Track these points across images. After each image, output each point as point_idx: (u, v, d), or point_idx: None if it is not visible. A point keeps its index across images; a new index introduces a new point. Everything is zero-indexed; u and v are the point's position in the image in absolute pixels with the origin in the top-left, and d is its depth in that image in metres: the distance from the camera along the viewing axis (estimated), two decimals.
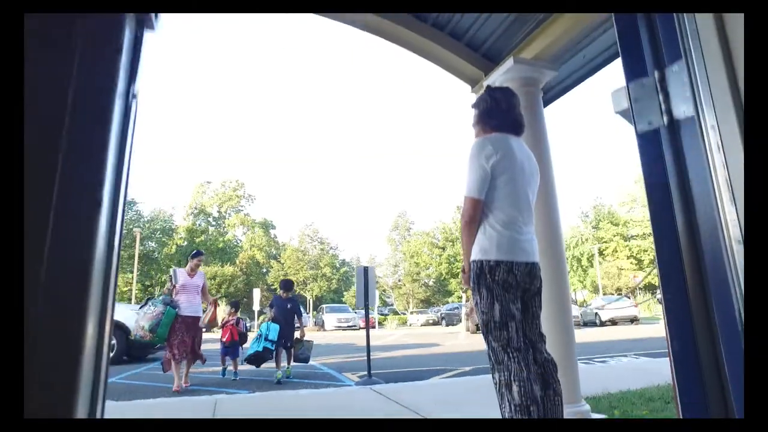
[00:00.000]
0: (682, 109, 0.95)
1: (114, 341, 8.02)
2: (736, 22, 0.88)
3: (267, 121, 66.51)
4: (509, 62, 3.24)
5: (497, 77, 3.37)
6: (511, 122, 2.20)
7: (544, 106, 3.59)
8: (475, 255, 2.06)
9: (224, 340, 6.90)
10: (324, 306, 31.45)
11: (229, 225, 43.75)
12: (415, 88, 73.91)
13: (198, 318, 5.84)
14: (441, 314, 29.31)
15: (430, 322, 28.93)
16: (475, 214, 2.07)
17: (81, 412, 0.77)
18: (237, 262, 40.60)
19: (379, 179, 69.16)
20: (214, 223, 43.50)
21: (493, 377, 1.99)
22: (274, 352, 6.29)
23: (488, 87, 2.35)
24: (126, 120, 0.89)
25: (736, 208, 0.83)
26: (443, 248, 41.64)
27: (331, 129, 69.43)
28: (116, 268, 0.87)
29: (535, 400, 1.87)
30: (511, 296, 2.01)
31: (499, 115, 2.19)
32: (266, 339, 6.27)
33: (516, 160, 2.09)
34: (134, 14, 0.93)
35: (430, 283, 44.03)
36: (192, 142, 63.88)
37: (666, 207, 0.98)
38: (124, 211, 0.91)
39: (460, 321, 22.89)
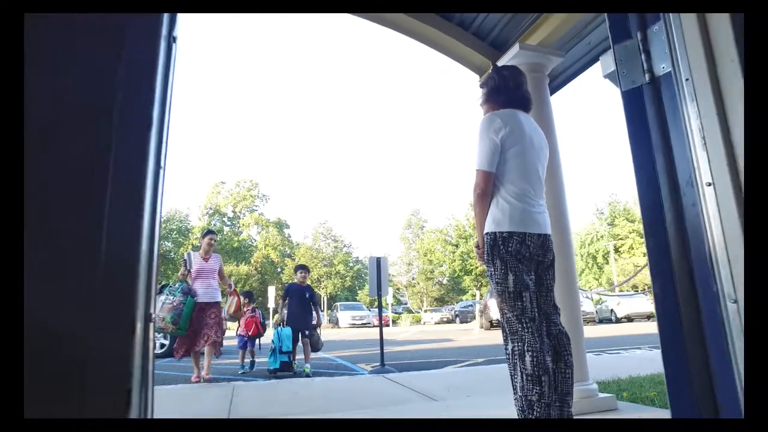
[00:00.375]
0: (661, 66, 1.02)
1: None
2: None
3: (280, 121, 67.02)
4: (515, 48, 3.30)
5: (508, 60, 3.43)
6: (519, 98, 2.25)
7: (551, 94, 3.64)
8: (489, 227, 2.10)
9: (249, 333, 6.86)
10: (338, 304, 31.65)
11: (243, 225, 44.24)
12: (428, 86, 73.82)
13: (216, 304, 5.42)
14: (455, 312, 29.31)
15: (444, 320, 28.94)
16: (487, 186, 2.11)
17: (133, 412, 0.75)
18: (252, 261, 41.07)
19: (392, 177, 69.23)
20: (228, 222, 44.03)
21: (506, 347, 2.04)
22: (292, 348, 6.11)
23: (495, 66, 2.41)
24: (162, 125, 0.88)
25: (707, 153, 0.90)
26: (456, 245, 41.53)
27: (344, 127, 69.71)
28: (157, 267, 0.86)
29: (547, 371, 1.92)
30: (525, 267, 2.05)
31: (507, 91, 2.25)
32: (281, 352, 6.05)
33: (525, 134, 2.15)
34: (167, 14, 0.92)
35: (444, 281, 44.00)
36: (206, 143, 64.68)
37: (648, 160, 1.05)
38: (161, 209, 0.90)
39: (474, 318, 22.88)
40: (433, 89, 73.46)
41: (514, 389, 1.98)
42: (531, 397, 1.87)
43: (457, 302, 36.41)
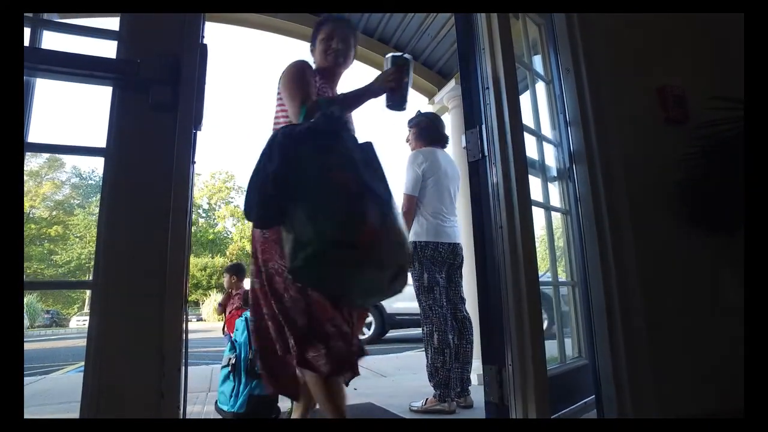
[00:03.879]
0: (485, 151, 1.65)
1: (371, 319, 7.75)
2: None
3: (256, 111, 66.56)
4: (452, 83, 3.94)
5: (444, 94, 4.07)
6: (439, 138, 2.94)
7: None
8: (411, 237, 2.74)
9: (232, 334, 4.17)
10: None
11: (219, 217, 44.20)
12: None
13: None
14: None
15: None
16: (411, 207, 2.76)
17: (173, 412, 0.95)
18: (227, 253, 41.09)
19: None
20: (204, 215, 43.88)
21: (423, 329, 2.69)
22: None
23: (421, 112, 3.04)
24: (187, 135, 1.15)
25: (500, 204, 1.53)
26: None
27: None
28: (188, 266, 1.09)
29: (449, 346, 2.59)
30: (437, 268, 2.70)
31: (429, 134, 2.91)
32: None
33: (441, 167, 2.82)
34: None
35: None
36: None
37: (485, 194, 1.69)
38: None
39: None
40: None
41: (427, 359, 2.63)
42: (436, 363, 2.54)
43: None
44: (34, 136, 1.14)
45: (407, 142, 3.00)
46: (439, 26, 3.98)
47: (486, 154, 1.64)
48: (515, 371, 1.50)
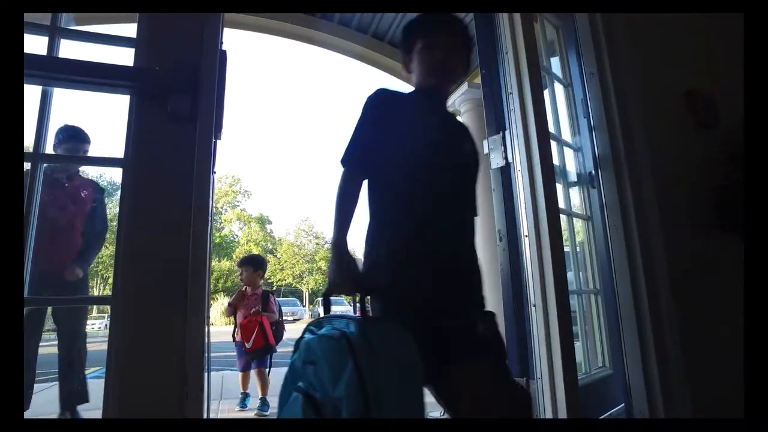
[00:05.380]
0: (510, 157, 1.61)
1: None
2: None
3: (262, 116, 66.86)
4: (465, 86, 3.90)
5: (456, 97, 4.04)
6: None
7: None
8: None
9: (247, 343, 3.62)
10: (320, 299, 32.17)
11: (225, 220, 44.26)
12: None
13: None
14: None
15: None
16: None
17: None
18: (234, 257, 41.17)
19: None
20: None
21: None
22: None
23: None
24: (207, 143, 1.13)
25: (525, 209, 1.49)
26: None
27: (327, 124, 69.83)
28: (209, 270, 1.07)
29: None
30: None
31: None
32: None
33: None
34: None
35: None
36: None
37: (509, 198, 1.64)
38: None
39: None
40: None
41: None
42: None
43: None
44: (50, 146, 1.11)
45: None
46: None
47: (510, 160, 1.60)
48: (544, 384, 1.45)
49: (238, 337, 3.71)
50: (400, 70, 4.26)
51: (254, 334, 3.51)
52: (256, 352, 3.55)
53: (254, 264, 3.99)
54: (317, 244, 46.13)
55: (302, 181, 67.83)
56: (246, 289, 3.89)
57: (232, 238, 43.94)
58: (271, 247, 44.55)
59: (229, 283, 37.91)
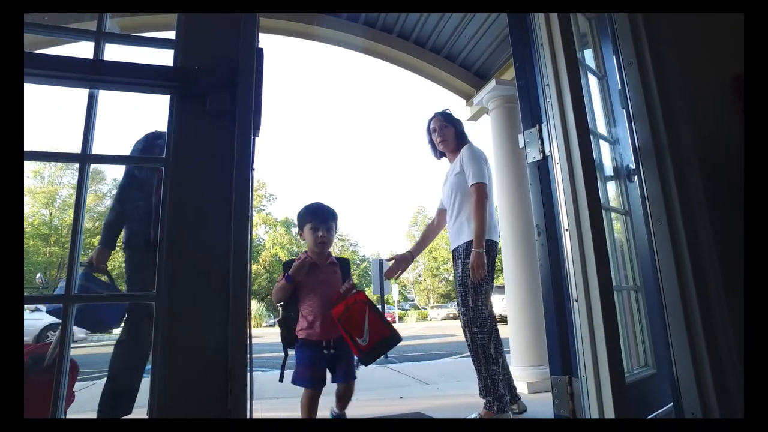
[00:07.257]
0: (547, 150, 1.57)
1: None
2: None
3: (287, 119, 67.74)
4: (492, 83, 3.84)
5: (484, 95, 3.97)
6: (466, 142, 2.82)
7: None
8: (486, 235, 2.44)
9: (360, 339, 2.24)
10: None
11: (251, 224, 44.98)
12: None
13: None
14: None
15: (451, 316, 29.44)
16: (485, 196, 2.50)
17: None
18: (260, 260, 41.81)
19: (397, 175, 69.67)
20: None
21: (476, 338, 2.46)
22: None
23: (452, 116, 2.90)
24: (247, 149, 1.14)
25: (565, 207, 1.45)
26: None
27: (351, 126, 70.24)
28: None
29: (502, 354, 2.49)
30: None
31: (464, 137, 2.84)
32: None
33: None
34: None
35: (450, 278, 44.48)
36: None
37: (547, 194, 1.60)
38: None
39: None
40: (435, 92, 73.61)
41: (478, 372, 2.49)
42: (495, 376, 2.41)
43: None
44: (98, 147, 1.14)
45: (434, 132, 2.85)
46: (476, 27, 3.89)
47: (548, 154, 1.56)
48: (588, 382, 1.40)
49: (314, 332, 2.27)
50: (407, 61, 4.25)
51: (366, 322, 2.21)
52: (378, 347, 2.25)
53: (335, 217, 2.52)
54: (342, 246, 46.45)
55: (325, 184, 68.36)
56: (310, 255, 2.41)
57: (258, 242, 44.62)
58: (296, 250, 45.07)
59: (256, 286, 38.47)
